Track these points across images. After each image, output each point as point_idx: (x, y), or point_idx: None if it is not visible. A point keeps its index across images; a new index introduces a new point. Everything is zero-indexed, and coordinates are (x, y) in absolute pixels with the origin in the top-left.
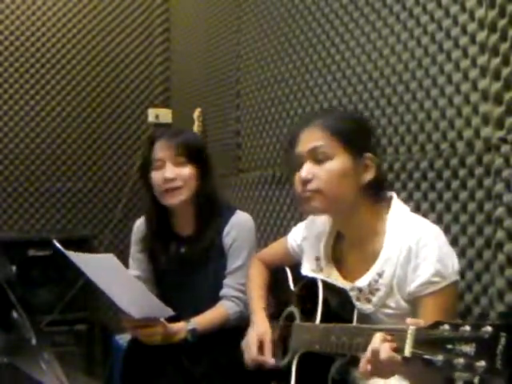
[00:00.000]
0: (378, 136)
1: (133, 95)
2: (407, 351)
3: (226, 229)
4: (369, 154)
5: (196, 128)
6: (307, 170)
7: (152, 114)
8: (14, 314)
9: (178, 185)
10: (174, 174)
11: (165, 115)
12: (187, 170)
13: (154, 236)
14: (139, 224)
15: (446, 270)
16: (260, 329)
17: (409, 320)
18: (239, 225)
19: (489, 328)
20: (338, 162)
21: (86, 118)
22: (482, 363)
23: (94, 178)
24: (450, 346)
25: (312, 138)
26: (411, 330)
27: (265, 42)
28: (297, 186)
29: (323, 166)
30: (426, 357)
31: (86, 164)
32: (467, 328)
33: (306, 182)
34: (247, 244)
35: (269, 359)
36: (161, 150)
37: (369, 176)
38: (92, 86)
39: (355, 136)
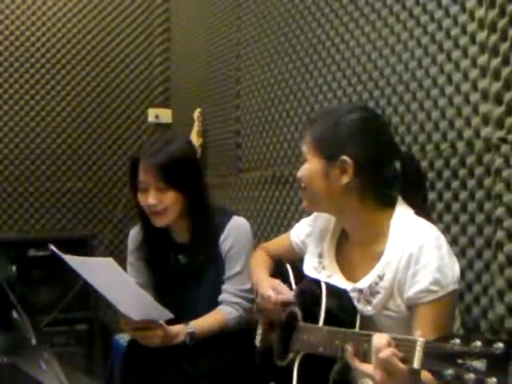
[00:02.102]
0: (381, 135)
1: (133, 95)
2: (416, 363)
3: (223, 235)
4: (343, 157)
5: (196, 128)
6: (300, 169)
7: (152, 114)
8: (14, 314)
9: (160, 209)
10: (155, 200)
11: (165, 115)
12: (169, 196)
13: (151, 245)
14: (135, 232)
15: (444, 279)
16: (270, 281)
17: (419, 332)
18: (236, 230)
19: (501, 344)
20: (310, 164)
21: (86, 117)
22: (493, 380)
23: (94, 178)
24: (460, 361)
25: (303, 141)
26: (420, 341)
27: (265, 42)
28: None
29: (303, 166)
30: (435, 370)
31: (86, 164)
32: (478, 343)
33: (297, 180)
34: (245, 250)
35: (289, 294)
36: (143, 174)
37: (345, 179)
38: (92, 86)
39: (332, 139)
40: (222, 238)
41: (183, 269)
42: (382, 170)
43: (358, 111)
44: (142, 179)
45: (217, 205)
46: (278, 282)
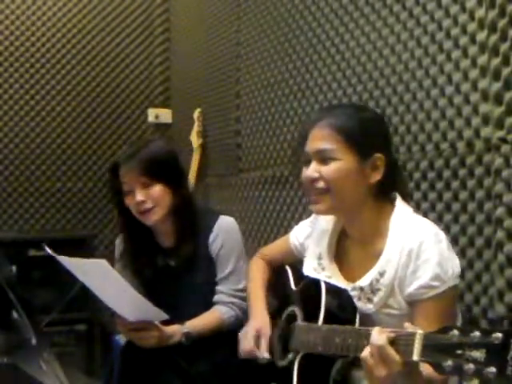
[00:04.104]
0: (390, 134)
1: (133, 95)
2: (415, 355)
3: (212, 236)
4: (378, 155)
5: (196, 128)
6: (313, 169)
7: (152, 114)
8: (14, 314)
9: (149, 206)
10: (143, 196)
11: (165, 115)
12: (156, 190)
13: (138, 252)
14: (120, 241)
15: (445, 274)
16: (259, 322)
17: (406, 324)
18: (224, 230)
19: (499, 334)
20: (344, 164)
21: (86, 118)
22: (493, 369)
23: (94, 178)
24: (459, 352)
25: (319, 138)
26: (419, 334)
27: (265, 42)
28: (304, 184)
29: (329, 166)
30: (434, 361)
31: (86, 164)
32: (477, 334)
33: (312, 180)
34: (235, 249)
35: (264, 353)
36: (125, 175)
37: (377, 176)
38: (92, 86)
39: (364, 136)
40: (210, 238)
41: (172, 272)
42: (396, 167)
43: (370, 110)
44: (125, 180)
45: (201, 205)
46: (265, 325)
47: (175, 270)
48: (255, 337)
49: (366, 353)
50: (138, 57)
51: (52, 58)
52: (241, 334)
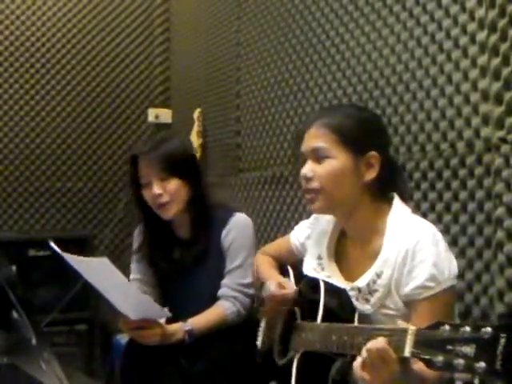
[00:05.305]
0: (388, 134)
1: (133, 95)
2: (407, 351)
3: (225, 231)
4: (372, 153)
5: (196, 128)
6: (308, 168)
7: (152, 114)
8: (14, 314)
9: (166, 200)
10: (160, 190)
11: (165, 115)
12: (173, 184)
13: (155, 243)
14: (138, 232)
15: (441, 275)
16: (277, 277)
17: (400, 322)
18: (237, 226)
19: (489, 329)
20: (338, 161)
21: (86, 118)
22: (482, 364)
23: (94, 178)
24: (450, 347)
25: (314, 137)
26: (411, 330)
27: (265, 42)
28: (301, 183)
29: (323, 165)
30: (425, 357)
31: (86, 164)
32: (467, 329)
33: (307, 180)
34: (246, 245)
35: (290, 288)
36: (144, 168)
37: (371, 174)
38: (92, 86)
39: (358, 134)
40: (223, 233)
41: (185, 264)
42: (394, 166)
43: (367, 110)
44: (144, 173)
45: (219, 201)
46: (285, 279)
47: (189, 263)
48: (278, 284)
49: (364, 352)
50: (137, 57)
51: (52, 57)
52: (263, 293)
